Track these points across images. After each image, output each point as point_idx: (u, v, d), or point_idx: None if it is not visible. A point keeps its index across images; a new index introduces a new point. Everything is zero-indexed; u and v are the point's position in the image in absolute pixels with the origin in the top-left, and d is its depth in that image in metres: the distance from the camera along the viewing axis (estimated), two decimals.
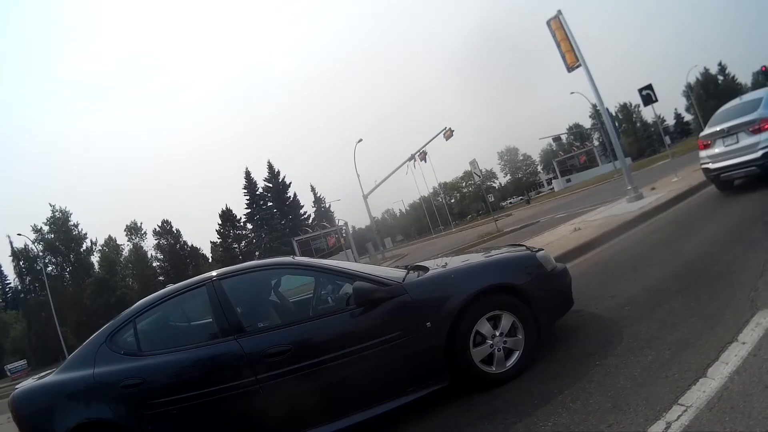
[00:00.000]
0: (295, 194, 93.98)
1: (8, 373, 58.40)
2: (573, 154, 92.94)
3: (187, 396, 4.56)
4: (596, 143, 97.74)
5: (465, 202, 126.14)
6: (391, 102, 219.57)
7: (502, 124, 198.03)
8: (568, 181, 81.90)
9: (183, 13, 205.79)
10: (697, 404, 3.57)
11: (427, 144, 52.40)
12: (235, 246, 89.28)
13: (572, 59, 17.64)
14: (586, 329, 5.84)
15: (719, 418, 3.34)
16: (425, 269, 5.74)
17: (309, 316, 5.42)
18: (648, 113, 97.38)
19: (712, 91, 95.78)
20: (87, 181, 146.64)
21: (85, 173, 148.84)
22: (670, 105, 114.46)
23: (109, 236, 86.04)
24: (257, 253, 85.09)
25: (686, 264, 7.24)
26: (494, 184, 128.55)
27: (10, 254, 77.70)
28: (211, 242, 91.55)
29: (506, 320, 5.10)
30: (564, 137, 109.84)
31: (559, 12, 17.69)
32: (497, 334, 5.05)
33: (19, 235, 63.58)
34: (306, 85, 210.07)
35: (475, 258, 6.12)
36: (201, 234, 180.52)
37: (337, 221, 68.13)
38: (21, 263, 77.88)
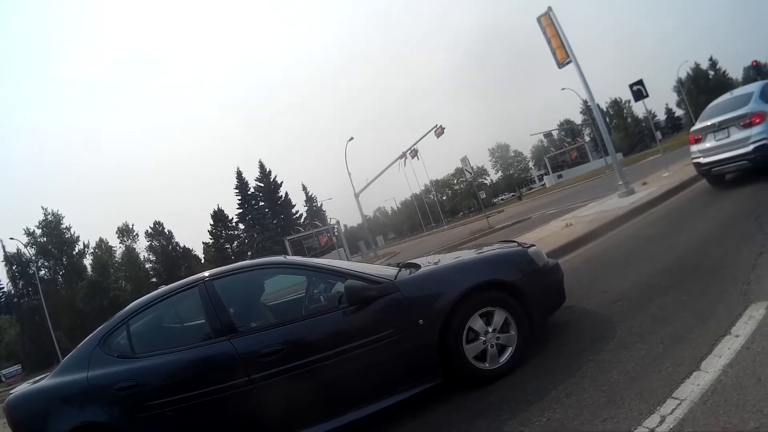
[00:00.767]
0: (286, 193, 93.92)
1: (3, 378, 58.08)
2: (564, 150, 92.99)
3: (181, 397, 4.54)
4: (587, 139, 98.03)
5: (456, 199, 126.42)
6: (383, 100, 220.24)
7: (494, 121, 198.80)
8: (560, 177, 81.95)
9: (173, 14, 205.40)
10: (691, 397, 3.58)
11: (418, 141, 52.73)
12: (228, 246, 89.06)
13: (563, 55, 17.69)
14: (579, 325, 5.84)
15: (713, 411, 3.34)
16: (417, 267, 5.72)
17: (301, 315, 5.41)
18: (639, 108, 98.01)
19: (703, 86, 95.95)
20: (78, 183, 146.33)
21: (76, 175, 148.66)
22: (661, 100, 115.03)
23: (101, 239, 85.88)
24: (249, 253, 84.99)
25: (678, 259, 7.25)
26: (486, 181, 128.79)
27: (2, 259, 77.47)
28: (203, 243, 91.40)
29: (499, 316, 5.10)
30: (555, 133, 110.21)
31: (550, 8, 17.75)
32: (490, 330, 5.05)
33: (11, 239, 63.50)
34: (297, 85, 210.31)
35: (467, 255, 6.14)
36: (193, 235, 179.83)
37: (329, 220, 68.04)
38: (14, 267, 77.56)
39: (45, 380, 5.02)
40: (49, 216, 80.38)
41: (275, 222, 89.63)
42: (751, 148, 10.80)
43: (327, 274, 5.54)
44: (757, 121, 10.80)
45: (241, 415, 4.63)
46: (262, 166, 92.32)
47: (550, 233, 14.29)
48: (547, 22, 17.85)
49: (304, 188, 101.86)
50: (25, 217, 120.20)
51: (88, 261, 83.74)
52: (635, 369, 4.29)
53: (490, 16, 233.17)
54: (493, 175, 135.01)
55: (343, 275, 5.14)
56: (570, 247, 11.21)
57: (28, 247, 73.55)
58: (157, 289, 5.70)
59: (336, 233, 57.87)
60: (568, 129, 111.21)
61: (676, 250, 7.79)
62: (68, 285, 79.23)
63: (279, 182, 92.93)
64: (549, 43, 18.02)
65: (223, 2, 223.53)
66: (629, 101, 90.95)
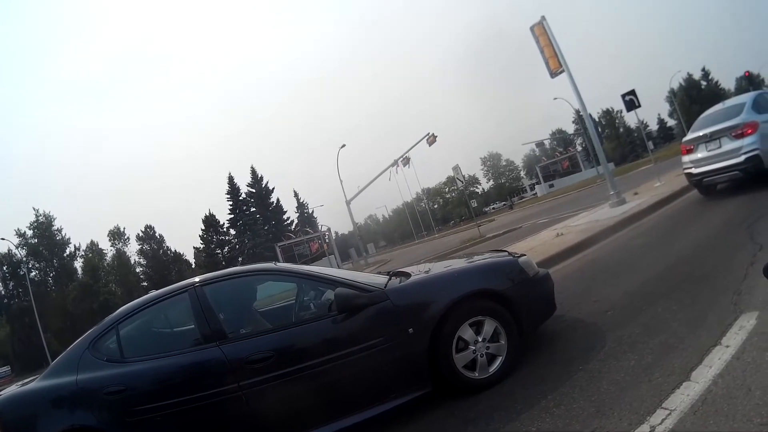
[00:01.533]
0: (278, 200, 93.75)
1: None
2: (556, 159, 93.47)
3: (170, 403, 4.53)
4: (579, 148, 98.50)
5: (448, 208, 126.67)
6: (375, 108, 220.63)
7: (485, 129, 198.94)
8: (551, 186, 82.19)
9: (167, 17, 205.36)
10: (681, 408, 3.58)
11: (410, 149, 52.66)
12: (219, 252, 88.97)
13: (555, 65, 17.73)
14: (569, 334, 5.84)
15: (703, 422, 3.34)
16: (407, 275, 5.72)
17: (291, 322, 5.44)
18: (631, 118, 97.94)
19: (695, 96, 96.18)
20: (69, 185, 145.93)
21: (68, 177, 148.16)
22: (654, 110, 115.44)
23: (92, 241, 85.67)
24: (240, 259, 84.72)
25: (669, 268, 7.27)
26: (477, 190, 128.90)
27: None
28: (194, 248, 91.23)
29: (489, 326, 5.09)
30: (547, 143, 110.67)
31: (543, 18, 17.79)
32: (480, 339, 5.04)
33: (2, 240, 63.08)
34: (290, 91, 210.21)
35: (458, 264, 6.14)
36: (184, 239, 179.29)
37: (320, 227, 68.14)
38: (4, 268, 77.28)
39: (34, 383, 4.99)
40: (40, 217, 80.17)
41: (266, 228, 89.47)
42: (742, 158, 10.88)
43: (317, 282, 5.54)
44: (749, 131, 10.88)
45: (230, 421, 4.61)
46: (253, 172, 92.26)
47: (541, 243, 14.31)
48: (540, 32, 17.89)
49: (296, 195, 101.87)
50: (15, 218, 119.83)
51: (78, 263, 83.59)
52: (625, 379, 4.29)
53: (482, 26, 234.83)
54: (485, 184, 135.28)
55: (334, 283, 5.13)
56: (561, 256, 11.22)
57: (19, 249, 73.37)
58: (147, 293, 5.69)
59: (327, 240, 57.89)
60: (560, 138, 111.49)
61: (667, 259, 7.81)
62: (59, 287, 78.90)
63: (270, 188, 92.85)
64: (542, 52, 18.04)
65: (213, 7, 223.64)
66: (621, 111, 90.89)
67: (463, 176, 36.06)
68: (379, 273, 6.80)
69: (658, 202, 14.35)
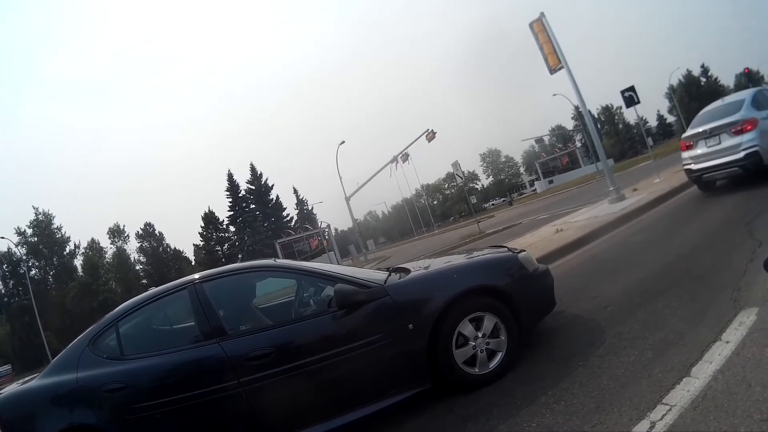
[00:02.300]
0: (277, 196, 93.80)
1: None
2: (555, 155, 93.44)
3: (170, 400, 4.52)
4: (578, 145, 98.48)
5: (447, 204, 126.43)
6: (375, 105, 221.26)
7: (485, 126, 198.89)
8: (551, 182, 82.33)
9: (165, 16, 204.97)
10: (681, 403, 3.58)
11: (409, 146, 52.66)
12: (218, 249, 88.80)
13: (555, 61, 17.74)
14: (569, 330, 5.84)
15: (704, 417, 3.34)
16: (407, 271, 5.72)
17: (291, 319, 5.43)
18: (630, 115, 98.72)
19: (694, 92, 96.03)
20: (69, 184, 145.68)
21: (67, 175, 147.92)
22: (653, 106, 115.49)
23: (92, 239, 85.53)
24: (240, 256, 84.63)
25: (668, 265, 7.27)
26: (477, 186, 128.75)
27: None
28: (194, 245, 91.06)
29: (488, 321, 5.08)
30: (546, 139, 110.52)
31: (542, 14, 17.81)
32: (480, 335, 5.04)
33: (2, 238, 62.94)
34: (290, 91, 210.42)
35: (457, 260, 6.11)
36: (184, 236, 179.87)
37: (319, 223, 67.93)
38: (4, 267, 77.15)
39: (34, 381, 4.98)
40: (40, 216, 79.95)
41: (266, 225, 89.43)
42: (742, 154, 10.89)
43: (317, 278, 5.53)
44: (748, 128, 10.88)
45: (230, 418, 4.60)
46: (253, 169, 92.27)
47: (541, 239, 14.32)
48: (540, 28, 17.89)
49: (295, 191, 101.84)
50: (15, 217, 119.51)
51: (78, 262, 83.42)
52: (625, 375, 4.29)
53: (482, 26, 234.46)
54: (484, 180, 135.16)
55: (333, 279, 5.14)
56: (560, 252, 11.22)
57: (19, 247, 73.30)
58: (147, 290, 5.67)
59: (326, 237, 57.87)
60: (560, 135, 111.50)
61: (666, 256, 7.81)
62: (59, 286, 78.77)
63: (270, 185, 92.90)
64: (541, 49, 18.06)
65: (213, 7, 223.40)
66: (620, 107, 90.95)
67: (463, 172, 36.03)
68: (379, 269, 6.80)
69: (657, 199, 14.36)
